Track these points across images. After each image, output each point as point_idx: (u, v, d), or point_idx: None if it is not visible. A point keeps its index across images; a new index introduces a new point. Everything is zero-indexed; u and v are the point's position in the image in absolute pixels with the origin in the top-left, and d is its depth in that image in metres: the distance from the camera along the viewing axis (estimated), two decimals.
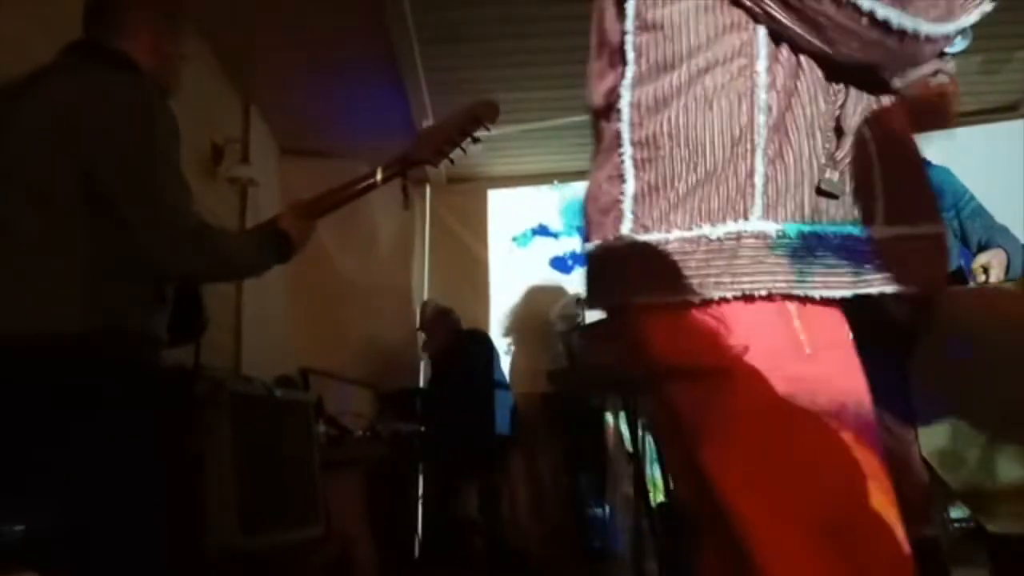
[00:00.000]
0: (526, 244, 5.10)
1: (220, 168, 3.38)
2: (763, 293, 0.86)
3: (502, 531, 3.97)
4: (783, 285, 0.86)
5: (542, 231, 5.10)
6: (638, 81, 0.94)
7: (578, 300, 4.40)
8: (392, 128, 4.37)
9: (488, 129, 1.75)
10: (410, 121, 4.24)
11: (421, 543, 3.86)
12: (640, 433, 3.46)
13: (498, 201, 5.17)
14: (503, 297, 4.95)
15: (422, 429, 4.49)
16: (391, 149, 5.05)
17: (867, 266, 0.88)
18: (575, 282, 4.97)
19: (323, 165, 4.55)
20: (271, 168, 4.21)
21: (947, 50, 3.28)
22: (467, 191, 5.14)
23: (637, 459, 3.44)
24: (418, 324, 4.18)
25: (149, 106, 1.36)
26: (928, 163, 2.66)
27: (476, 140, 1.76)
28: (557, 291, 4.69)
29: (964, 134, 4.51)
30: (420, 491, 4.26)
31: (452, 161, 1.77)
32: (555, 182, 5.15)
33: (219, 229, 1.46)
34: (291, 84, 3.89)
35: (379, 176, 1.72)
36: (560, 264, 5.08)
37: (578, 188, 5.16)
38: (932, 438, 1.90)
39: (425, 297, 5.01)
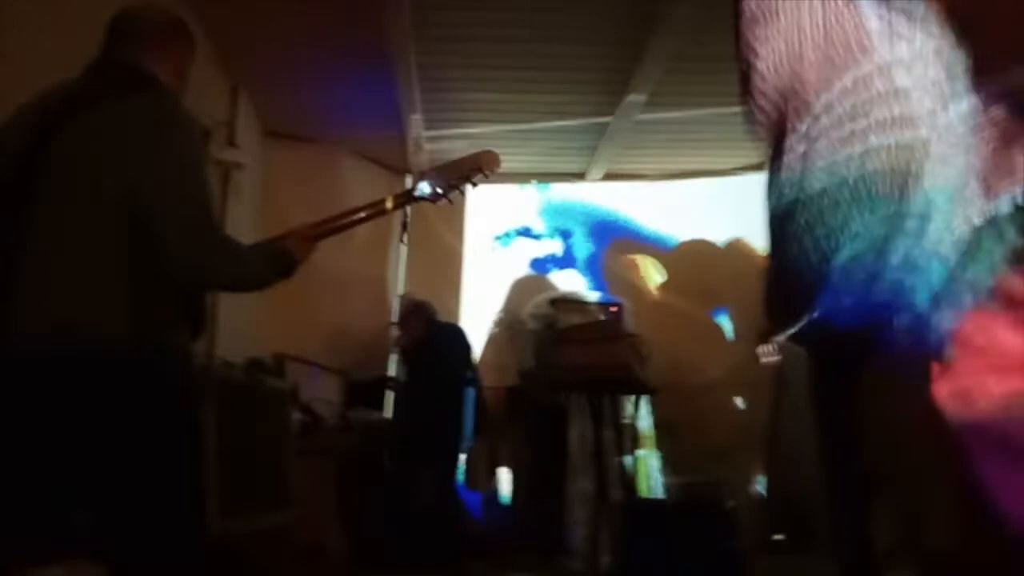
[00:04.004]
0: (508, 244, 5.19)
1: (206, 150, 3.38)
2: None
3: (463, 522, 4.08)
4: None
5: (525, 232, 5.19)
6: None
7: (552, 301, 4.52)
8: (379, 120, 4.41)
9: (487, 177, 1.92)
10: (398, 114, 4.27)
11: (385, 532, 3.92)
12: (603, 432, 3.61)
13: (478, 198, 5.23)
14: (479, 294, 5.05)
15: (390, 418, 4.55)
16: (377, 140, 5.09)
17: None
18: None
19: (308, 151, 4.57)
20: (256, 152, 4.20)
21: None
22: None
23: (600, 457, 3.60)
24: (395, 318, 4.24)
25: (187, 128, 1.45)
26: None
27: (475, 185, 1.92)
28: (535, 289, 4.82)
29: None
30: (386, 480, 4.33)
31: (451, 201, 1.93)
32: (534, 182, 5.24)
33: (238, 243, 1.54)
34: (281, 69, 3.88)
35: (389, 204, 1.86)
36: (540, 266, 5.18)
37: (559, 190, 5.28)
38: None
39: (400, 289, 5.06)
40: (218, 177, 3.66)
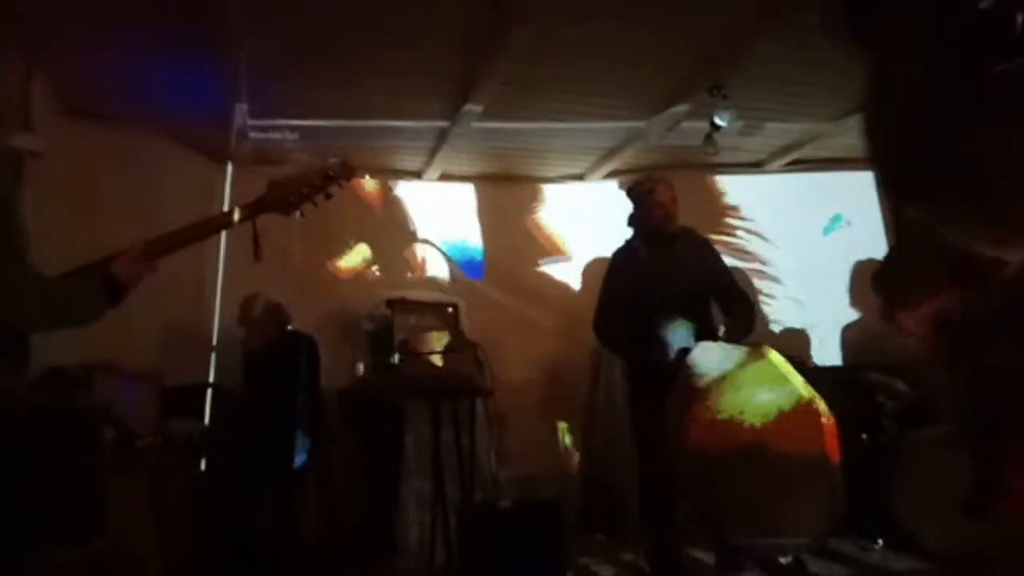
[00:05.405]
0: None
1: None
2: None
3: (294, 530, 3.97)
4: None
5: None
6: None
7: (388, 302, 4.49)
8: (200, 104, 4.08)
9: (341, 187, 1.81)
10: (224, 101, 3.99)
11: (209, 544, 3.71)
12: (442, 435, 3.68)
13: None
14: (303, 292, 4.88)
15: (209, 424, 4.27)
16: (196, 126, 4.70)
17: None
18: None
19: (117, 133, 4.13)
20: (57, 138, 3.71)
21: (718, 121, 3.98)
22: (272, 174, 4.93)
23: (437, 459, 3.67)
24: (239, 318, 3.96)
25: None
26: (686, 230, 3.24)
27: (329, 196, 1.80)
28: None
29: (724, 182, 5.37)
30: (208, 491, 4.07)
31: (303, 213, 1.81)
32: (367, 177, 5.16)
33: (52, 284, 1.40)
34: (86, 41, 3.46)
35: (236, 217, 1.73)
36: None
37: (403, 188, 5.22)
38: None
39: (219, 286, 4.74)
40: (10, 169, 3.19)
